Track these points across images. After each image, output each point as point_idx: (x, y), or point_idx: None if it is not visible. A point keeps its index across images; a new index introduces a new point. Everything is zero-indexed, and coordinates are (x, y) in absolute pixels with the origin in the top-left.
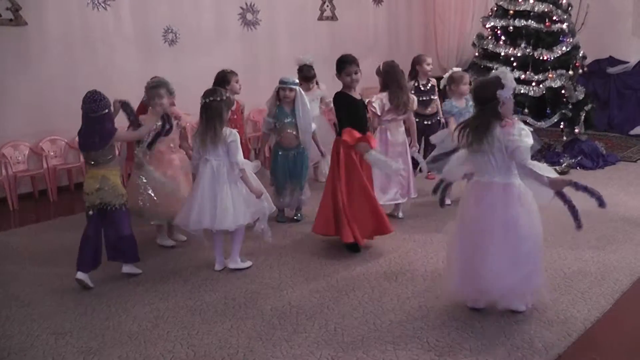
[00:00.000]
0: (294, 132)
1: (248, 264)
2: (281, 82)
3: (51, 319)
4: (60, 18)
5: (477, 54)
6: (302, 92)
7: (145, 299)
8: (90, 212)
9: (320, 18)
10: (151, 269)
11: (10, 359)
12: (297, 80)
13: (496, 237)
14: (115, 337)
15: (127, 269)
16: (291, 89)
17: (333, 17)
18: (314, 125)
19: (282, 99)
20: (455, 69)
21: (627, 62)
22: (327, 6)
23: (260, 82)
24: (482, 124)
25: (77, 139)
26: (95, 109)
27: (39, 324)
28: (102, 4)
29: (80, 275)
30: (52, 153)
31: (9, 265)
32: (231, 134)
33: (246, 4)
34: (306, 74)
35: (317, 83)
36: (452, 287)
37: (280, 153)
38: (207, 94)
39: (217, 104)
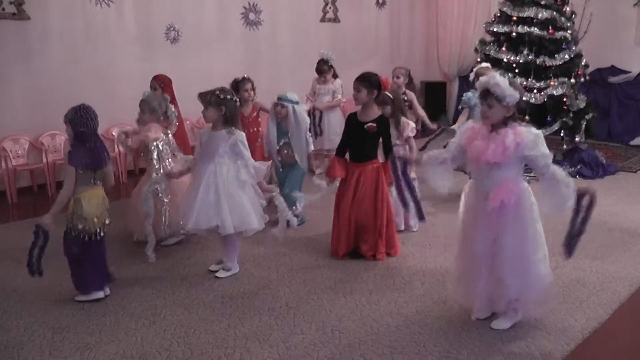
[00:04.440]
0: (292, 151)
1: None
2: (277, 98)
3: (48, 314)
4: (63, 13)
5: (478, 59)
6: (296, 109)
7: (142, 296)
8: (102, 234)
9: (323, 20)
10: (148, 267)
11: (7, 353)
12: (295, 99)
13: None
14: (112, 334)
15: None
16: (282, 106)
17: (335, 19)
18: (311, 145)
19: (276, 115)
20: (484, 65)
21: (629, 72)
22: (330, 8)
23: (261, 82)
24: None
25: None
26: (96, 125)
27: (36, 318)
28: (105, 1)
29: (97, 294)
30: (52, 148)
31: (7, 259)
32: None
33: (249, 3)
34: (318, 67)
35: (335, 77)
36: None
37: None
38: (224, 90)
39: (235, 103)
